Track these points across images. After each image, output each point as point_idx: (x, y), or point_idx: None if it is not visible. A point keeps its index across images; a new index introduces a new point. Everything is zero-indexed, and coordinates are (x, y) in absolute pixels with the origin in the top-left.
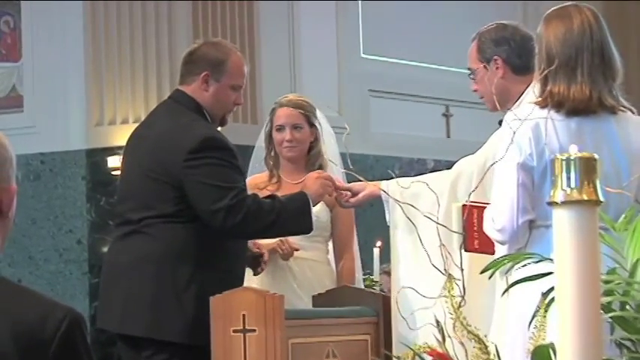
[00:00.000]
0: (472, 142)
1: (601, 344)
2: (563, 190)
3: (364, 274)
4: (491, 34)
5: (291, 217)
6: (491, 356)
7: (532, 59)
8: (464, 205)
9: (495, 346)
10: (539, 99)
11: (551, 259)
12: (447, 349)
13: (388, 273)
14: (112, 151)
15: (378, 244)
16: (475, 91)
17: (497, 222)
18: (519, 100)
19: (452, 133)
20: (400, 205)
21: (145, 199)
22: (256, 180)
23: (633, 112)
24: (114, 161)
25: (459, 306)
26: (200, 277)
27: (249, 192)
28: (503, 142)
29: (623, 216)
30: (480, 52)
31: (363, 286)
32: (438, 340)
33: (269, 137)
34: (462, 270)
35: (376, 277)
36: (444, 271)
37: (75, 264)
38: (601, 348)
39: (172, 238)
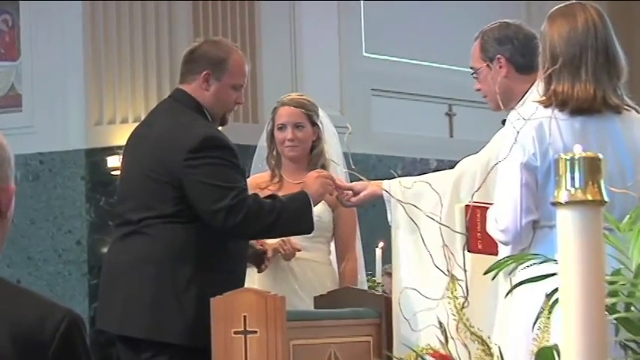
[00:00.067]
0: (475, 142)
1: (605, 346)
2: (568, 190)
3: (367, 275)
4: (495, 33)
5: (292, 217)
6: (495, 358)
7: (535, 58)
8: (467, 206)
9: (499, 347)
10: (543, 98)
11: (555, 260)
12: (449, 351)
13: (390, 274)
14: (111, 150)
15: (381, 244)
16: (478, 90)
17: (500, 222)
18: (523, 99)
19: (455, 133)
20: (402, 205)
21: (145, 199)
22: (258, 180)
23: (638, 112)
24: (113, 161)
25: (462, 307)
26: (200, 278)
27: (250, 192)
28: (506, 141)
29: (628, 216)
30: (483, 50)
31: (366, 287)
32: (440, 341)
33: (271, 136)
34: (465, 271)
35: (378, 278)
36: (446, 272)
37: (74, 265)
38: (605, 349)
39: (172, 239)
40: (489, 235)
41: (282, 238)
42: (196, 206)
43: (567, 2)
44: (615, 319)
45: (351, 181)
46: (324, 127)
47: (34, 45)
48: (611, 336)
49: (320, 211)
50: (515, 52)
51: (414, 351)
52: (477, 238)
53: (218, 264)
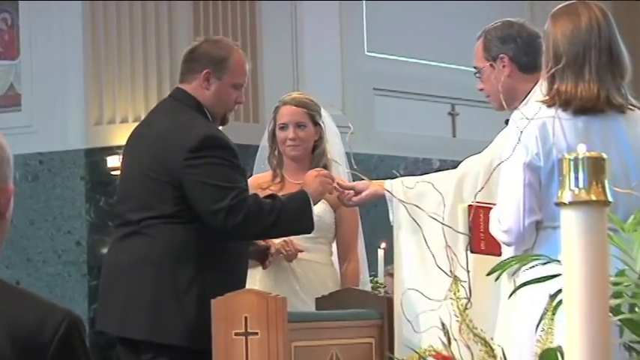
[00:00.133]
0: (478, 142)
1: (610, 347)
2: (571, 190)
3: (370, 276)
4: (498, 32)
5: (292, 216)
6: (498, 359)
7: (539, 57)
8: (470, 206)
9: (502, 349)
10: (547, 97)
11: (558, 261)
12: (452, 352)
13: (392, 275)
14: (111, 150)
15: (383, 245)
16: (481, 89)
17: (503, 223)
18: (526, 98)
19: (458, 133)
20: (404, 205)
21: (145, 199)
22: (259, 180)
23: None
24: (113, 161)
25: (465, 308)
26: (201, 279)
27: (251, 192)
28: (509, 141)
29: (633, 217)
30: (486, 50)
31: (369, 288)
32: (443, 343)
33: (272, 136)
34: (468, 272)
35: (380, 278)
36: (449, 273)
37: (74, 266)
38: (610, 351)
39: (173, 239)
40: (492, 236)
41: (285, 239)
42: (196, 206)
43: (571, 1)
44: (619, 320)
45: (354, 181)
46: (326, 127)
47: (33, 44)
48: (616, 337)
49: (321, 211)
50: (518, 52)
51: (417, 352)
52: (480, 239)
53: (218, 264)
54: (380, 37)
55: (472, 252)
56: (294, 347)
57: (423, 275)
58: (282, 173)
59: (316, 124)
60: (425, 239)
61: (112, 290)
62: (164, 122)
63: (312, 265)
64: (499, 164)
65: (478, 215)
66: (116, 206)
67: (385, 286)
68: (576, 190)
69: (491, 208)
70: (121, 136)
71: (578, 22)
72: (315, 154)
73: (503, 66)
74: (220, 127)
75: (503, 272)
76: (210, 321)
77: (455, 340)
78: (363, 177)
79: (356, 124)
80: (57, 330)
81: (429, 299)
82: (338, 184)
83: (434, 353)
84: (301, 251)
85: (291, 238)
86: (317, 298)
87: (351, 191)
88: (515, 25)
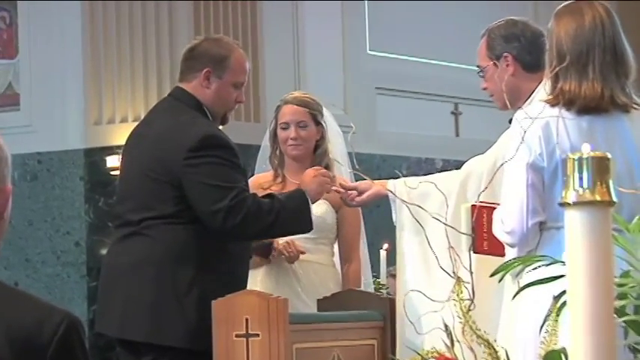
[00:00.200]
0: (482, 141)
1: (614, 349)
2: (575, 190)
3: (372, 277)
4: (501, 31)
5: (291, 216)
6: None
7: (542, 56)
8: (473, 206)
9: (506, 351)
10: (550, 97)
11: (562, 262)
12: (455, 354)
13: (395, 276)
14: (110, 150)
15: (385, 246)
16: (485, 89)
17: (506, 224)
18: (530, 98)
19: (461, 132)
20: (407, 206)
21: (145, 199)
22: (260, 179)
23: None
24: (113, 161)
25: (468, 310)
26: (201, 280)
27: (252, 192)
28: (513, 141)
29: (637, 217)
30: (490, 48)
31: (372, 289)
32: (446, 344)
33: (274, 135)
34: (472, 273)
35: (383, 279)
36: (452, 274)
37: (73, 267)
38: (614, 353)
39: (173, 240)
40: (496, 236)
41: (287, 241)
42: (195, 206)
43: (575, 0)
44: (624, 321)
45: (356, 181)
46: (328, 127)
47: (32, 43)
48: (620, 339)
49: (323, 211)
50: (522, 50)
51: (419, 354)
52: (483, 239)
53: (219, 265)
54: (382, 35)
55: (475, 252)
56: (296, 349)
57: (426, 276)
58: (283, 173)
59: (318, 123)
60: (427, 240)
61: (112, 291)
62: (164, 121)
63: (313, 266)
64: (502, 164)
65: (481, 215)
66: (116, 207)
67: (387, 287)
68: (580, 191)
69: (494, 208)
70: (120, 135)
71: (582, 20)
72: (316, 154)
73: (507, 65)
74: (220, 127)
75: (506, 273)
76: (210, 322)
77: (458, 341)
78: (365, 177)
79: (358, 123)
80: (56, 332)
81: (432, 300)
82: (340, 184)
83: (436, 355)
84: (303, 253)
85: (293, 239)
86: (319, 300)
87: (354, 192)
88: (519, 23)
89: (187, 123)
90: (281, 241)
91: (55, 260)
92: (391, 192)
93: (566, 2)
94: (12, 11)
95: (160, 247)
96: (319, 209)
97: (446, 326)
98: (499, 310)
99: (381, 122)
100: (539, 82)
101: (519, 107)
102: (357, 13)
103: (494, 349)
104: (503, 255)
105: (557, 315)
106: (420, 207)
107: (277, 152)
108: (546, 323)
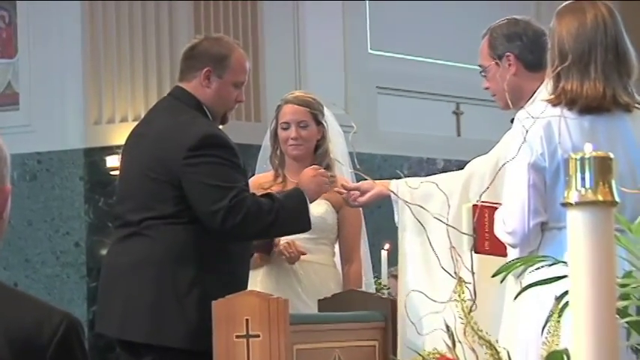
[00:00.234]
0: (483, 141)
1: (617, 350)
2: (578, 190)
3: (373, 278)
4: (503, 30)
5: (290, 216)
6: None
7: (545, 55)
8: (474, 205)
9: (507, 352)
10: (552, 96)
11: (564, 262)
12: (457, 355)
13: (396, 276)
14: (110, 150)
15: (386, 246)
16: (487, 88)
17: (507, 224)
18: (532, 97)
19: (462, 132)
20: (410, 207)
21: (145, 199)
22: (261, 179)
23: None
24: (112, 161)
25: (470, 310)
26: (202, 280)
27: (252, 192)
28: (514, 141)
29: None
30: (492, 48)
31: (373, 290)
32: (447, 345)
33: (274, 135)
34: (473, 273)
35: (384, 280)
36: (454, 274)
37: (72, 267)
38: (617, 354)
39: (173, 240)
40: (497, 236)
41: (287, 241)
42: (195, 206)
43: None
44: (627, 322)
45: (357, 182)
46: (329, 126)
47: (31, 42)
48: (623, 340)
49: (324, 212)
50: (524, 49)
51: (421, 355)
52: (485, 239)
53: (220, 266)
54: (383, 35)
55: (476, 252)
56: (296, 350)
57: (428, 277)
58: (284, 173)
59: (319, 123)
60: (429, 241)
61: (112, 292)
62: (163, 121)
63: (314, 267)
64: (504, 164)
65: (483, 215)
66: (116, 207)
67: (389, 288)
68: (583, 191)
69: (496, 208)
70: (120, 135)
71: (583, 19)
72: (317, 154)
73: (509, 64)
74: (221, 127)
75: (508, 274)
76: (211, 323)
77: (459, 342)
78: (366, 177)
79: (359, 123)
80: (55, 332)
81: (433, 301)
82: (342, 185)
83: (438, 356)
84: (304, 253)
85: (294, 239)
86: (319, 300)
87: (356, 192)
88: (521, 22)
89: (187, 122)
90: (282, 241)
91: (55, 261)
92: (393, 193)
93: (568, 1)
94: (11, 10)
95: (160, 248)
96: (320, 209)
97: (447, 327)
98: (501, 311)
99: (383, 122)
100: (542, 82)
101: (521, 107)
102: (358, 12)
103: (496, 349)
104: (504, 255)
105: (560, 316)
106: (422, 207)
107: (278, 152)
108: (548, 324)
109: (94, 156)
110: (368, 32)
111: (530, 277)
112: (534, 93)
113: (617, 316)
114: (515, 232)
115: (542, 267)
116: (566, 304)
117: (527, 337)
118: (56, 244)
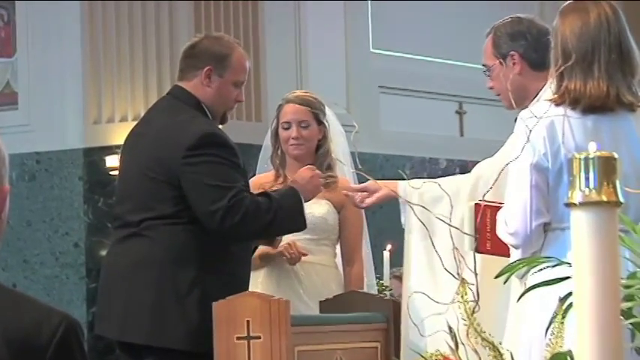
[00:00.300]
0: (486, 141)
1: (621, 351)
2: (582, 190)
3: (375, 279)
4: (507, 29)
5: (288, 215)
6: None
7: (549, 54)
8: (477, 205)
9: (511, 353)
10: (555, 96)
11: (568, 263)
12: (460, 357)
13: (398, 277)
14: (110, 150)
15: (388, 247)
16: (491, 88)
17: (509, 225)
18: (537, 97)
19: (465, 132)
20: (412, 208)
21: (144, 199)
22: (261, 180)
23: None
24: (112, 161)
25: (473, 312)
26: (202, 281)
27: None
28: (517, 140)
29: None
30: (496, 47)
31: (375, 291)
32: (450, 347)
33: (275, 135)
34: (476, 274)
35: (386, 281)
36: (456, 276)
37: (72, 268)
38: (621, 355)
39: (173, 241)
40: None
41: (288, 242)
42: (193, 206)
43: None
44: (631, 324)
45: (359, 182)
46: (331, 126)
47: (30, 41)
48: (627, 341)
49: (325, 212)
50: (528, 48)
51: (423, 357)
52: (486, 239)
53: (221, 266)
54: (385, 33)
55: (477, 252)
56: (298, 351)
57: (432, 279)
58: (285, 173)
59: (320, 122)
60: (432, 243)
61: (112, 293)
62: (163, 120)
63: (315, 268)
64: (507, 164)
65: (485, 215)
66: (115, 207)
67: (391, 289)
68: (587, 191)
69: (498, 208)
70: (120, 135)
71: (587, 18)
72: (318, 154)
73: (514, 63)
74: (221, 126)
75: (511, 275)
76: (212, 324)
77: (462, 344)
78: (368, 177)
79: (361, 122)
80: (54, 334)
81: (437, 303)
82: (349, 186)
83: (441, 357)
84: (305, 255)
85: (295, 241)
86: (321, 301)
87: (363, 193)
88: (525, 21)
89: (186, 121)
90: (283, 242)
91: (54, 261)
92: (400, 196)
93: (572, 0)
94: (10, 9)
95: (159, 248)
96: (321, 209)
97: (450, 328)
98: (505, 312)
99: (385, 121)
100: (546, 81)
101: (526, 106)
102: (360, 11)
103: (499, 351)
104: (506, 255)
105: (563, 317)
106: (426, 209)
107: (279, 152)
108: (552, 325)
109: (94, 156)
110: (370, 31)
111: (534, 278)
112: (539, 92)
113: (622, 317)
114: (517, 233)
115: (545, 268)
116: (570, 305)
117: (530, 338)
118: (55, 244)
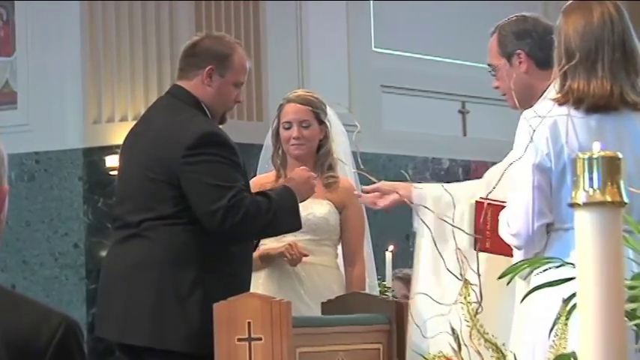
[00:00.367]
0: (490, 141)
1: (625, 353)
2: (586, 191)
3: (377, 279)
4: (512, 27)
5: (286, 215)
6: None
7: (552, 52)
8: (478, 203)
9: (514, 355)
10: (559, 95)
11: (571, 264)
12: (462, 359)
13: (400, 278)
14: (110, 150)
15: (391, 248)
16: (497, 88)
17: (512, 226)
18: (543, 96)
19: (468, 131)
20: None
21: (144, 199)
22: (262, 180)
23: None
24: (112, 161)
25: (476, 313)
26: (203, 282)
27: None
28: (520, 140)
29: None
30: (501, 46)
31: (376, 292)
32: (453, 348)
33: (276, 135)
34: (479, 275)
35: (388, 282)
36: (459, 277)
37: (71, 269)
38: (625, 357)
39: (173, 241)
40: (498, 234)
41: (289, 243)
42: (193, 206)
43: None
44: (635, 325)
45: (361, 182)
46: (332, 126)
47: (29, 40)
48: (631, 343)
49: (326, 212)
50: (534, 47)
51: (426, 359)
52: (486, 237)
53: (221, 266)
54: (388, 32)
55: (476, 250)
56: (299, 353)
57: (439, 285)
58: (285, 173)
59: (321, 122)
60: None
61: (112, 295)
62: (162, 120)
63: (316, 268)
64: (510, 164)
65: (485, 213)
66: (115, 208)
67: (393, 290)
68: (591, 191)
69: (500, 207)
70: (120, 134)
71: (590, 17)
72: (319, 154)
73: (520, 62)
74: (221, 126)
75: (514, 276)
76: (213, 325)
77: (465, 345)
78: (370, 177)
79: (363, 122)
80: (54, 335)
81: (439, 303)
82: (364, 188)
83: (444, 359)
84: (306, 255)
85: (296, 241)
86: (322, 303)
87: (376, 193)
88: (530, 19)
89: (186, 121)
90: (280, 244)
91: (53, 262)
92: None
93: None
94: (9, 8)
95: (159, 249)
96: (322, 210)
97: (453, 330)
98: (511, 314)
99: (387, 121)
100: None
101: (531, 106)
102: (362, 10)
103: (503, 353)
104: (506, 254)
105: (567, 318)
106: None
107: (280, 152)
108: (555, 327)
109: (93, 156)
110: (372, 30)
111: (537, 279)
112: (545, 92)
113: (626, 318)
114: (519, 234)
115: (549, 269)
116: (574, 306)
117: (533, 339)
118: (55, 245)
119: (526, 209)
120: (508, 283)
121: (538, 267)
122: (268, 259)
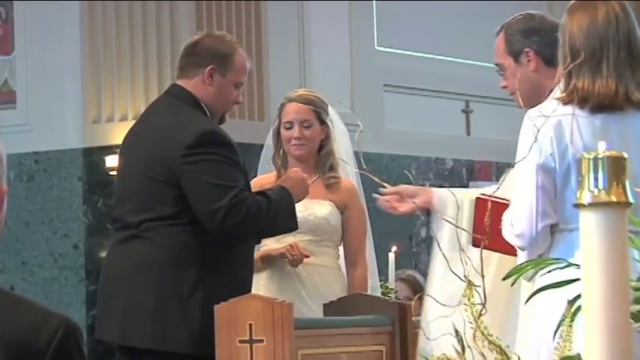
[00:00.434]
0: (493, 140)
1: (631, 355)
2: (591, 191)
3: (380, 281)
4: (519, 26)
5: (285, 216)
6: None
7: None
8: (478, 199)
9: (518, 357)
10: (563, 95)
11: (576, 265)
12: None
13: (404, 280)
14: (110, 150)
15: (394, 249)
16: (504, 87)
17: (515, 227)
18: (550, 95)
19: (472, 131)
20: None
21: (144, 200)
22: (263, 180)
23: None
24: (112, 161)
25: (480, 314)
26: (204, 283)
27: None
28: (524, 140)
29: None
30: (508, 45)
31: (379, 293)
32: (457, 350)
33: (277, 134)
34: (483, 277)
35: (391, 284)
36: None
37: (71, 270)
38: (631, 359)
39: (173, 242)
40: (498, 232)
41: (290, 244)
42: (193, 205)
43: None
44: None
45: (363, 182)
46: (334, 126)
47: (29, 39)
48: (637, 345)
49: (328, 213)
50: (542, 44)
51: None
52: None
53: (222, 267)
54: (390, 31)
55: (474, 246)
56: (301, 355)
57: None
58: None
59: (323, 122)
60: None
61: (112, 296)
62: (162, 119)
63: (318, 269)
64: (514, 164)
65: (484, 210)
66: (115, 208)
67: (396, 292)
68: (596, 191)
69: (500, 204)
70: (119, 134)
71: (595, 16)
72: (321, 154)
73: (529, 60)
74: (221, 126)
75: (519, 277)
76: (214, 326)
77: (469, 347)
78: (373, 177)
79: (365, 122)
80: (53, 337)
81: (442, 305)
82: (382, 191)
83: None
84: (307, 256)
85: (297, 242)
86: (325, 304)
87: (395, 196)
88: (537, 17)
89: (186, 120)
90: (281, 245)
91: (53, 263)
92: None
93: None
94: (8, 6)
95: (159, 250)
96: (324, 210)
97: (456, 331)
98: (514, 316)
99: (390, 120)
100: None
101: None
102: (365, 8)
103: (507, 354)
104: (504, 252)
105: (572, 320)
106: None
107: (281, 152)
108: (560, 328)
109: (93, 156)
110: (375, 28)
111: (542, 280)
112: (552, 91)
113: (631, 320)
114: (523, 234)
115: (554, 270)
116: (579, 307)
117: (538, 340)
118: (54, 246)
119: (530, 210)
120: (512, 284)
121: (542, 268)
122: (269, 260)
